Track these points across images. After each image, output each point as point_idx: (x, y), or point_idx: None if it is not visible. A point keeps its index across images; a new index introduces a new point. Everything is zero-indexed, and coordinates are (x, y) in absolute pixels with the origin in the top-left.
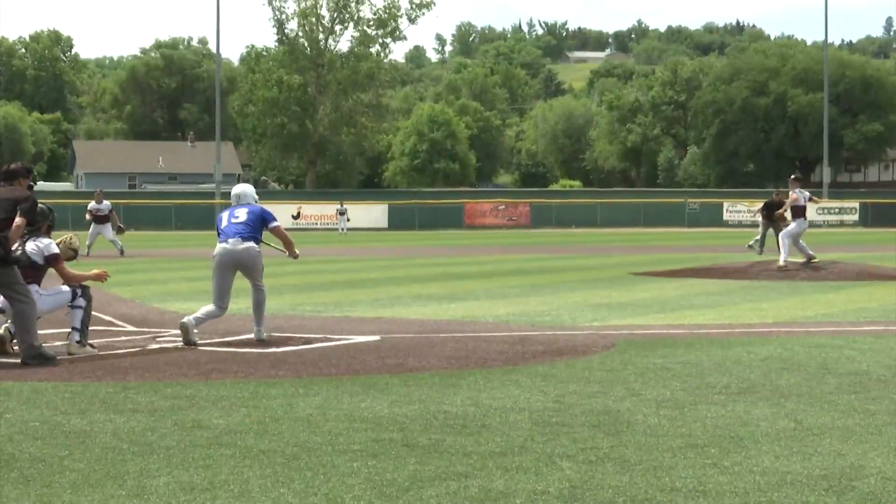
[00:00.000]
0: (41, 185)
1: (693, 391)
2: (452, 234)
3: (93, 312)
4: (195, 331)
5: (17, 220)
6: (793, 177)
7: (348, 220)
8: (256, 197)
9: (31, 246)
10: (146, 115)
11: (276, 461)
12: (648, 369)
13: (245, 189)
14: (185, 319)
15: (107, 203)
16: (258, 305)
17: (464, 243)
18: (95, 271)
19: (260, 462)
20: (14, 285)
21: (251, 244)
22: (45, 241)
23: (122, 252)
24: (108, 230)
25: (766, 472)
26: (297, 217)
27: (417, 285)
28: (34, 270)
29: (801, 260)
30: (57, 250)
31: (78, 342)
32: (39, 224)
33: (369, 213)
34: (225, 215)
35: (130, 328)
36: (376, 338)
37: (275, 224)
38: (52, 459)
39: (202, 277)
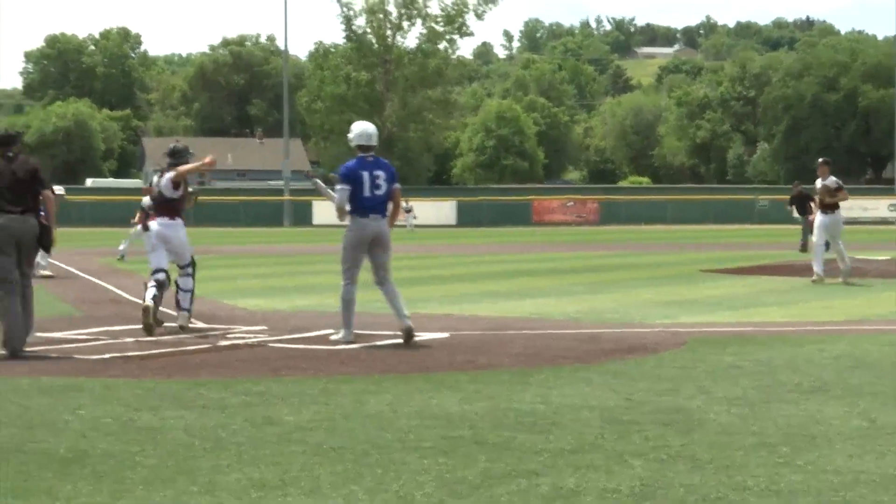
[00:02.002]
0: (109, 182)
1: (764, 389)
2: (520, 230)
3: (162, 308)
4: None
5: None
6: (821, 160)
7: (415, 217)
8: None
9: (164, 183)
10: (215, 112)
11: (346, 458)
12: (719, 367)
13: (373, 129)
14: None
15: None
16: (395, 295)
17: (532, 240)
18: (207, 159)
19: (330, 459)
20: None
21: (386, 221)
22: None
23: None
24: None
25: (839, 471)
26: None
27: (486, 282)
28: (175, 203)
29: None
30: (173, 173)
31: (186, 311)
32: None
33: (437, 210)
34: (365, 178)
35: (200, 324)
36: (445, 335)
37: (397, 186)
38: (123, 455)
39: (271, 274)
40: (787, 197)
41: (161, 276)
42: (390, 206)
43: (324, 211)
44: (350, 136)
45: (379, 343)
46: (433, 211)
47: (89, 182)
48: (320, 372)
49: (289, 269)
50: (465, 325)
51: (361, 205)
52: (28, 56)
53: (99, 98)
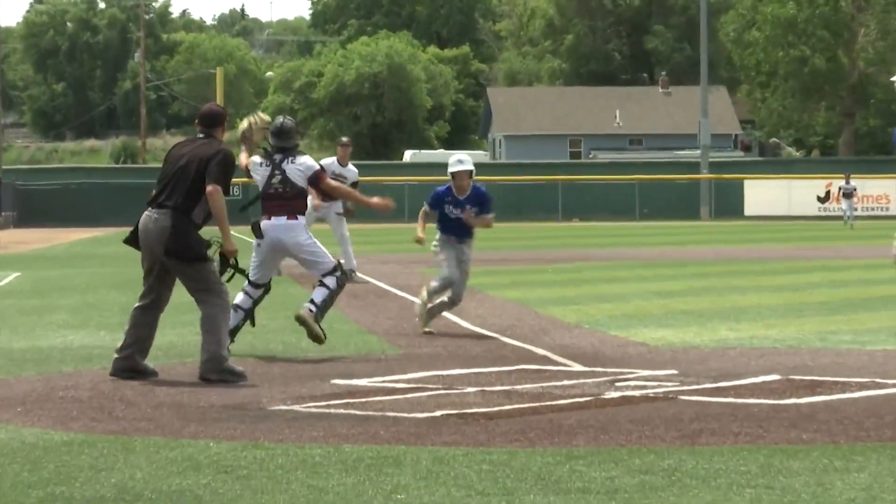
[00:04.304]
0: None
1: None
2: None
3: (523, 344)
4: None
5: (209, 187)
6: None
7: (856, 204)
8: None
9: (291, 170)
10: (596, 49)
11: None
12: None
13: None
14: None
15: (353, 168)
16: None
17: None
18: (378, 199)
19: None
20: (204, 285)
21: None
22: (301, 158)
23: (346, 273)
24: (333, 216)
25: None
26: (824, 200)
27: None
28: (298, 200)
29: None
30: (317, 165)
31: (311, 311)
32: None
33: None
34: None
35: (577, 367)
36: None
37: None
38: None
39: (681, 291)
40: None
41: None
42: None
43: (760, 196)
44: None
45: (848, 395)
46: None
47: (409, 155)
48: (759, 439)
49: (709, 284)
50: None
51: None
52: None
53: (424, 30)
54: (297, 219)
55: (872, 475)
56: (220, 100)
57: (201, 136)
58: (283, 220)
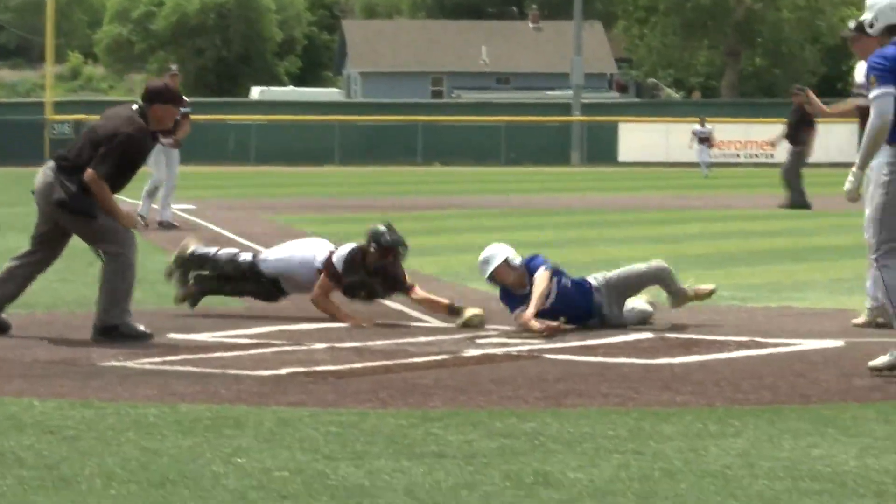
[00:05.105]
0: (289, 93)
1: None
2: None
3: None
4: None
5: (87, 172)
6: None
7: (711, 148)
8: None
9: None
10: None
11: None
12: None
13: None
14: None
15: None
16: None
17: None
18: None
19: None
20: (98, 242)
21: None
22: None
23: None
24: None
25: None
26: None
27: None
28: None
29: None
30: None
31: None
32: None
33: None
34: None
35: (435, 323)
36: (838, 343)
37: None
38: None
39: (551, 242)
40: None
41: None
42: None
43: (635, 140)
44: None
45: (726, 355)
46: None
47: (256, 92)
48: (629, 401)
49: (580, 235)
50: (871, 328)
51: None
52: None
53: None
54: None
55: (749, 440)
56: (49, 30)
57: (136, 106)
58: None
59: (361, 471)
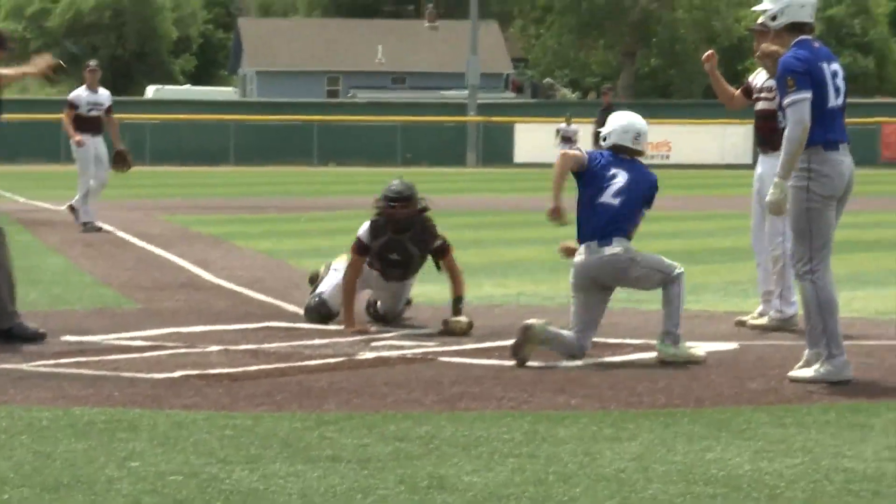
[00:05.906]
0: (185, 92)
1: None
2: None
3: (272, 300)
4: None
5: None
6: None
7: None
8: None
9: None
10: None
11: None
12: None
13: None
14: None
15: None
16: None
17: (881, 190)
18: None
19: None
20: None
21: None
22: None
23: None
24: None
25: None
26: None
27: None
28: None
29: None
30: None
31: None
32: None
33: (714, 141)
34: (827, 77)
35: (330, 326)
36: (733, 345)
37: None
38: None
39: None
40: None
41: None
42: None
43: (531, 141)
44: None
45: (617, 358)
46: (706, 142)
47: (151, 91)
48: (524, 405)
49: (476, 237)
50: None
51: (833, 127)
52: None
53: None
54: None
55: (644, 444)
56: None
57: None
58: None
59: (256, 475)
